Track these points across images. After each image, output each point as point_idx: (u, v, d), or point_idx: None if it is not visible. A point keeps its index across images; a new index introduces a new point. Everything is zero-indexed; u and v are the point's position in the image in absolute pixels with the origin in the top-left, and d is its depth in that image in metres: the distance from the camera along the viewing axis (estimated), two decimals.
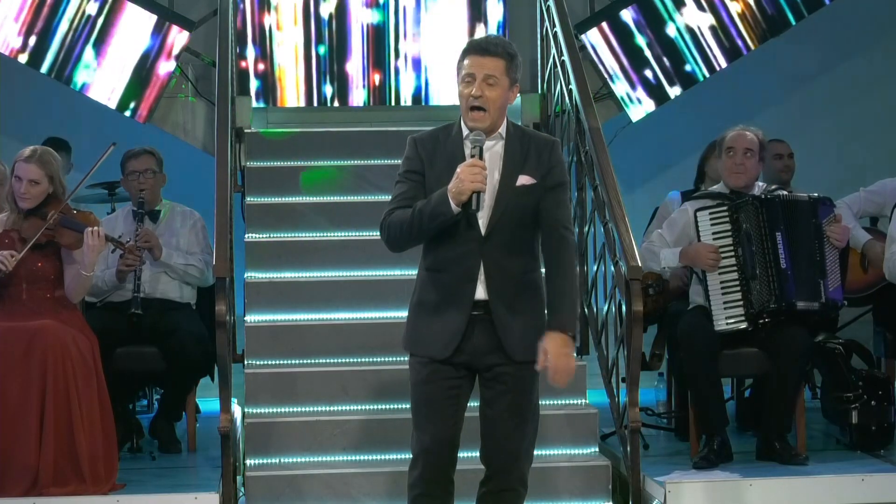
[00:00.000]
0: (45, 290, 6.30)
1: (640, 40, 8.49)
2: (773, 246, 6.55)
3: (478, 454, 5.09)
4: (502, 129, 5.02)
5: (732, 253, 6.59)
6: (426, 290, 5.03)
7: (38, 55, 8.15)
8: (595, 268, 6.99)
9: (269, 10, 8.55)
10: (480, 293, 4.95)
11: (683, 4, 8.51)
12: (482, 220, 4.94)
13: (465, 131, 4.98)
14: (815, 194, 6.73)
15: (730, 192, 6.73)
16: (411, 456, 5.07)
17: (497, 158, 4.98)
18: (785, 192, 6.76)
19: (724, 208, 6.63)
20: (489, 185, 4.91)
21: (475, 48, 5.00)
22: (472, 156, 4.87)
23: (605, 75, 8.44)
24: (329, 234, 7.44)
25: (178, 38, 8.24)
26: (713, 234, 6.62)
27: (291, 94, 8.58)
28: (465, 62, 4.97)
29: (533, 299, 5.02)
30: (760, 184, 6.84)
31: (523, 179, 4.97)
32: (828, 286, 6.61)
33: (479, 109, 4.93)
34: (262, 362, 6.83)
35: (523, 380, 5.00)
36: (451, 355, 4.94)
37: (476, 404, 5.06)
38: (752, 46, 8.54)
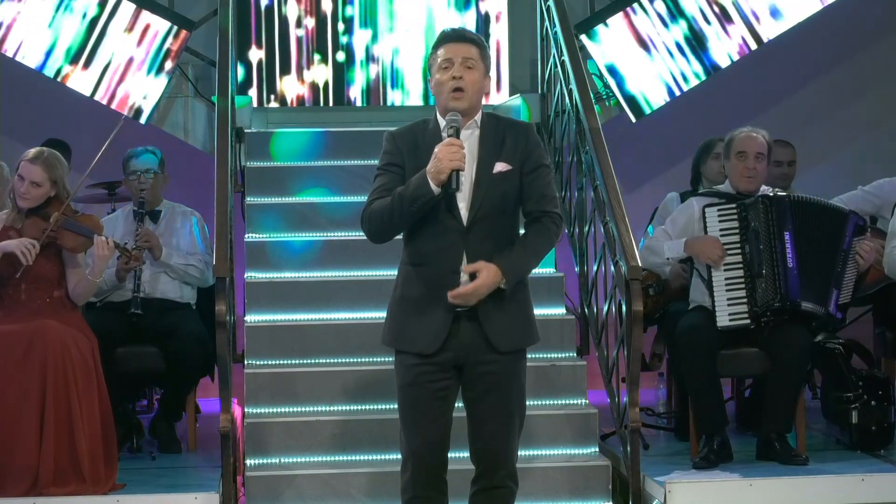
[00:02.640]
0: (45, 291, 6.30)
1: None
2: (781, 245, 6.54)
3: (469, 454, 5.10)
4: (477, 118, 5.04)
5: (739, 250, 6.59)
6: (409, 284, 5.02)
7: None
8: (595, 268, 6.99)
9: None
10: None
11: None
12: (463, 210, 4.95)
13: (444, 123, 4.99)
14: (854, 212, 6.76)
15: (737, 193, 6.72)
16: (401, 458, 5.08)
17: (473, 147, 5.00)
18: (797, 194, 6.76)
19: (734, 206, 6.63)
20: (467, 175, 4.93)
21: (450, 37, 5.05)
22: (449, 136, 4.89)
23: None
24: (329, 234, 7.44)
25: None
26: (721, 230, 6.62)
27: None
28: (440, 51, 5.02)
29: (518, 290, 5.02)
30: (764, 186, 6.83)
31: (500, 166, 4.99)
32: (837, 299, 6.62)
33: (460, 90, 4.95)
34: (262, 362, 6.83)
35: (508, 375, 5.00)
36: (439, 350, 4.94)
37: (462, 404, 5.08)
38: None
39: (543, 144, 7.89)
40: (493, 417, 5.00)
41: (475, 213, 4.94)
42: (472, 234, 4.95)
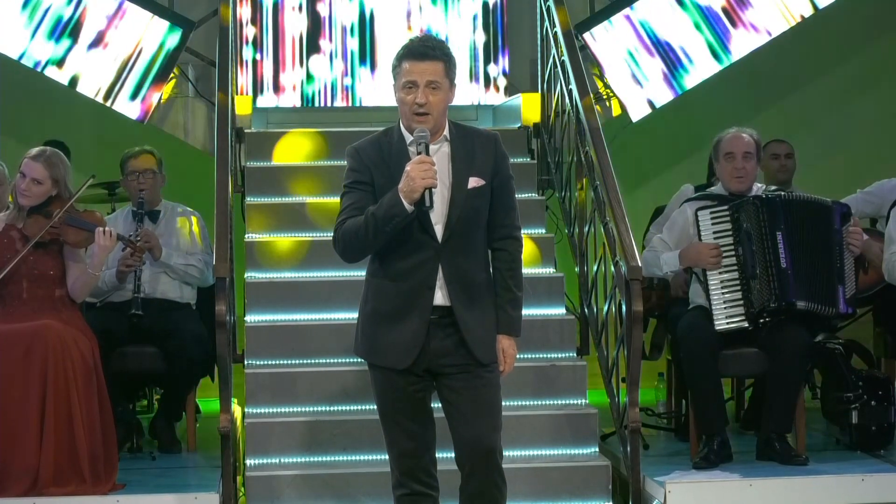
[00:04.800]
0: (47, 289, 6.30)
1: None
2: (774, 245, 6.55)
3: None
4: (446, 132, 5.01)
5: (733, 252, 6.59)
6: (382, 298, 5.01)
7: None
8: (595, 268, 6.99)
9: None
10: (440, 299, 4.96)
11: None
12: (438, 226, 4.94)
13: (409, 137, 4.96)
14: (837, 200, 6.75)
15: (729, 193, 6.73)
16: (389, 460, 5.10)
17: (445, 162, 4.98)
18: (787, 192, 6.77)
19: (725, 208, 6.64)
20: (441, 191, 4.92)
21: (413, 53, 4.95)
22: (419, 153, 4.86)
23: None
24: (329, 234, 7.41)
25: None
26: (714, 233, 6.63)
27: None
28: (405, 67, 4.94)
29: (487, 298, 5.05)
30: (759, 185, 6.84)
31: (474, 182, 4.98)
32: (845, 293, 6.62)
33: (424, 115, 4.92)
34: (262, 362, 6.82)
35: (486, 377, 5.02)
36: (412, 364, 4.96)
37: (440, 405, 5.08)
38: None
39: (543, 144, 7.93)
40: (478, 415, 4.97)
41: (451, 229, 4.94)
42: (446, 249, 4.95)
